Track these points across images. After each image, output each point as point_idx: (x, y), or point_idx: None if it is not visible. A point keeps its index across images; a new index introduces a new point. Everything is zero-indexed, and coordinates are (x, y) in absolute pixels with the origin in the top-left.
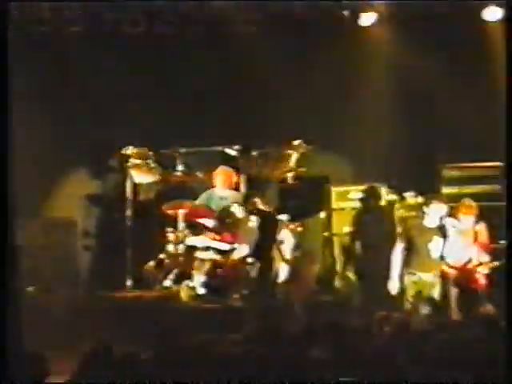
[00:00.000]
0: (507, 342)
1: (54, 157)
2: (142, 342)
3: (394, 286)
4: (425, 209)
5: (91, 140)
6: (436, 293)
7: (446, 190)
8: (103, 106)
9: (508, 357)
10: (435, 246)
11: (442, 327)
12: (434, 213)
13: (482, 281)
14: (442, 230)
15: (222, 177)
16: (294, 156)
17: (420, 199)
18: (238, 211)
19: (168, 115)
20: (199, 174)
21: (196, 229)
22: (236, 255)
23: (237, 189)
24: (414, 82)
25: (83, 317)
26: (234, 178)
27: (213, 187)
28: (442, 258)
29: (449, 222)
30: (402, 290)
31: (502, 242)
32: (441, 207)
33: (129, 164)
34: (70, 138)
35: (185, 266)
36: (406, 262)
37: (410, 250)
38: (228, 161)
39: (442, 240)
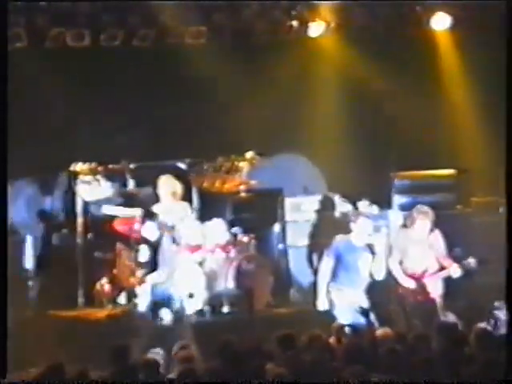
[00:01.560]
0: (507, 342)
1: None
2: (93, 361)
3: (321, 302)
4: (352, 225)
5: (40, 156)
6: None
7: (398, 199)
8: (52, 120)
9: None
10: (364, 263)
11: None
12: (361, 229)
13: (439, 290)
14: (370, 247)
15: (166, 189)
16: (246, 168)
17: (374, 208)
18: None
19: (117, 129)
20: (149, 189)
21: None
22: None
23: (188, 200)
24: (362, 91)
25: (34, 336)
26: (180, 189)
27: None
28: (371, 275)
29: (402, 234)
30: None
31: (457, 249)
32: (367, 223)
33: (78, 180)
34: (19, 154)
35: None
36: (334, 277)
37: (338, 264)
38: (179, 175)
39: (370, 257)
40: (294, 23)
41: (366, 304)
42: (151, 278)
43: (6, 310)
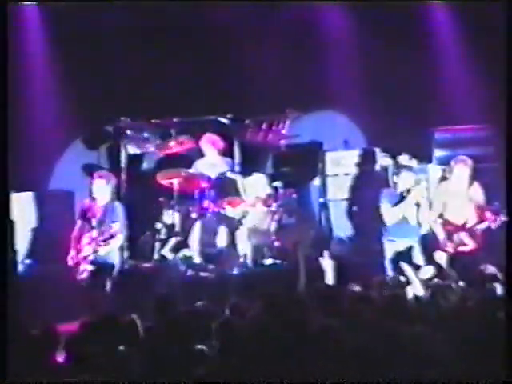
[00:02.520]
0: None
1: (54, 130)
2: (141, 311)
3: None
4: (395, 178)
5: (87, 112)
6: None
7: (438, 153)
8: (97, 79)
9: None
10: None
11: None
12: (405, 182)
13: (479, 241)
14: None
15: (209, 144)
16: (287, 123)
17: (414, 162)
18: (236, 176)
19: (160, 85)
20: (191, 143)
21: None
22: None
23: (230, 156)
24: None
25: (82, 288)
26: (222, 145)
27: (202, 156)
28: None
29: (442, 186)
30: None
31: (496, 203)
32: (410, 176)
33: (123, 135)
34: (67, 111)
35: (182, 235)
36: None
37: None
38: (221, 129)
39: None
40: None
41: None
42: (193, 232)
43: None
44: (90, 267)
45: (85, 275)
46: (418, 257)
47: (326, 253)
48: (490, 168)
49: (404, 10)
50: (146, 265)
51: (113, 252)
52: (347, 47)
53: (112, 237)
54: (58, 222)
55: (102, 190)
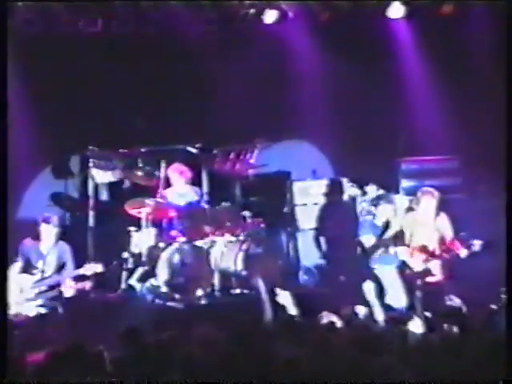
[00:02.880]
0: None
1: (23, 158)
2: (108, 341)
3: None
4: (373, 210)
5: (54, 140)
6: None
7: (405, 184)
8: (65, 106)
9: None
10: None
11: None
12: (383, 213)
13: (446, 271)
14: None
15: (177, 173)
16: (255, 153)
17: (381, 193)
18: (204, 206)
19: (128, 114)
20: (158, 173)
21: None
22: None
23: (198, 185)
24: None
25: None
26: (190, 174)
27: (170, 185)
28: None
29: (409, 217)
30: None
31: (462, 233)
32: (389, 208)
33: (90, 164)
34: (33, 141)
35: (149, 264)
36: None
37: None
38: (189, 159)
39: None
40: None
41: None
42: (162, 262)
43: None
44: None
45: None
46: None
47: (277, 289)
48: (457, 199)
49: (371, 30)
50: (113, 295)
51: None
52: (315, 78)
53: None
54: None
55: (48, 231)
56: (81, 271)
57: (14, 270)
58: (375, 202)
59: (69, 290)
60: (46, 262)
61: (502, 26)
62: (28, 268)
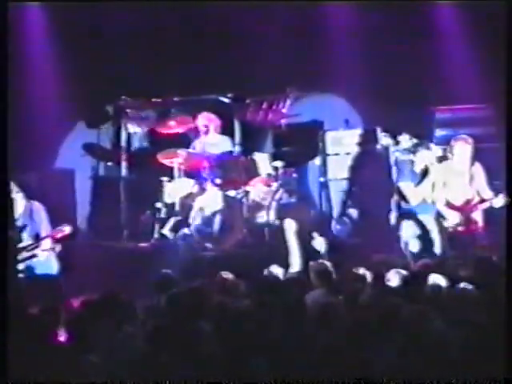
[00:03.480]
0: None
1: (57, 109)
2: (139, 290)
3: None
4: (412, 157)
5: (87, 90)
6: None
7: (438, 133)
8: (97, 59)
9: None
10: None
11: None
12: (422, 160)
13: (479, 221)
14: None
15: (207, 122)
16: (288, 103)
17: (415, 142)
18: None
19: (162, 64)
20: (191, 123)
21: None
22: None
23: (230, 135)
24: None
25: (84, 266)
26: (219, 123)
27: (201, 134)
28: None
29: (444, 165)
30: None
31: (497, 182)
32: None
33: (123, 114)
34: (70, 90)
35: (182, 214)
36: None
37: None
38: (222, 109)
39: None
40: None
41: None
42: (194, 211)
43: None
44: None
45: None
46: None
47: (315, 234)
48: (490, 148)
49: None
50: (146, 244)
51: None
52: (349, 32)
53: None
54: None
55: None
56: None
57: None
58: (413, 149)
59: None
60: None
61: (502, 26)
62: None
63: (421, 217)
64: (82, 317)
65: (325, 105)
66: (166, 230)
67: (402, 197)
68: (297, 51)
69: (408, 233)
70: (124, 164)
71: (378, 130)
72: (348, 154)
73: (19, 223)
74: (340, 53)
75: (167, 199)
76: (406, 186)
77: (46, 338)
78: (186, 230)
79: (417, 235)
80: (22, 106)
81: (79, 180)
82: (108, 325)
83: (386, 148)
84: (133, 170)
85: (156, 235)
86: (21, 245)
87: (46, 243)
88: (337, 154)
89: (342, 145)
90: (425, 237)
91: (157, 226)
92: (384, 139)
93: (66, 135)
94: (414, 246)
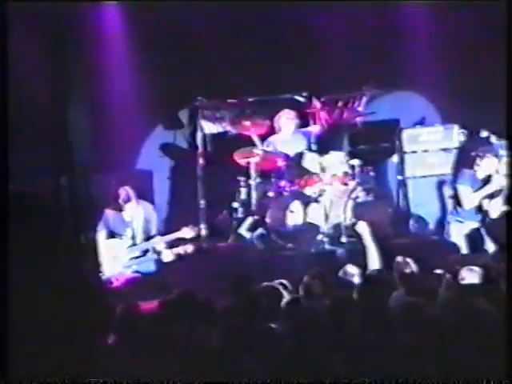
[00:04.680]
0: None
1: (135, 110)
2: (217, 290)
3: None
4: (478, 161)
5: (164, 92)
6: None
7: None
8: (174, 58)
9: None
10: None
11: None
12: (488, 166)
13: None
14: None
15: (286, 121)
16: (363, 101)
17: (493, 138)
18: (313, 155)
19: (237, 64)
20: (267, 123)
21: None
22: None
23: (306, 134)
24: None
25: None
26: (298, 122)
27: (276, 130)
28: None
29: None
30: None
31: None
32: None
33: (199, 114)
34: (148, 92)
35: (258, 214)
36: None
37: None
38: (296, 108)
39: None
40: None
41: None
42: (270, 210)
43: (6, 308)
44: None
45: None
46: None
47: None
48: None
49: None
50: (223, 244)
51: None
52: (425, 29)
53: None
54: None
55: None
56: (179, 235)
57: (102, 236)
58: (481, 153)
59: (168, 254)
60: (134, 227)
61: (501, 26)
62: (116, 236)
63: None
64: (158, 317)
65: (401, 102)
66: (242, 230)
67: (457, 199)
68: (373, 49)
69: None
70: (200, 164)
71: (456, 127)
72: (425, 151)
73: (129, 223)
74: (417, 51)
75: (244, 198)
76: (464, 190)
77: (123, 338)
78: (262, 230)
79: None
80: (102, 109)
81: (157, 181)
82: (184, 325)
83: (464, 146)
84: (209, 170)
85: (233, 235)
86: (130, 245)
87: (159, 243)
88: (414, 152)
89: (419, 142)
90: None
91: (234, 226)
92: (461, 137)
93: (145, 137)
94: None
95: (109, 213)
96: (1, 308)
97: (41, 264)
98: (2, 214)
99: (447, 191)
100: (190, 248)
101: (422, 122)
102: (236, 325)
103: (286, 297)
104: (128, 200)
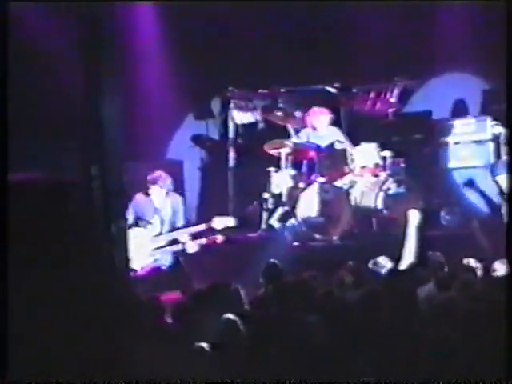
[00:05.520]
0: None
1: (167, 100)
2: (247, 280)
3: None
4: None
5: (196, 83)
6: None
7: None
8: (206, 48)
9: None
10: None
11: None
12: None
13: None
14: None
15: (317, 117)
16: (395, 92)
17: None
18: (344, 146)
19: (269, 55)
20: (298, 114)
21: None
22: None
23: (337, 125)
24: None
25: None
26: (330, 117)
27: (308, 127)
28: None
29: None
30: None
31: None
32: None
33: (230, 105)
34: (180, 82)
35: (289, 205)
36: None
37: None
38: (328, 99)
39: None
40: None
41: None
42: (301, 201)
43: (6, 308)
44: None
45: None
46: None
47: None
48: None
49: None
50: (253, 234)
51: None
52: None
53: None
54: None
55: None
56: (209, 225)
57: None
58: None
59: (192, 245)
60: (162, 215)
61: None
62: (141, 223)
63: None
64: (189, 306)
65: (434, 94)
66: (273, 221)
67: (501, 190)
68: (405, 40)
69: None
70: (231, 155)
71: (489, 119)
72: (457, 143)
73: (157, 210)
74: (450, 39)
75: (274, 189)
76: (503, 180)
77: (153, 326)
78: (293, 221)
79: None
80: (134, 98)
81: (188, 171)
82: (214, 315)
83: (497, 137)
84: (240, 161)
85: (263, 226)
86: (157, 234)
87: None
88: (446, 144)
89: (452, 134)
90: None
91: (264, 217)
92: (495, 128)
93: (176, 127)
94: None
95: (139, 198)
96: (1, 308)
97: (71, 255)
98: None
99: (480, 184)
100: (219, 239)
101: (455, 114)
102: (267, 316)
103: (318, 289)
104: (158, 182)
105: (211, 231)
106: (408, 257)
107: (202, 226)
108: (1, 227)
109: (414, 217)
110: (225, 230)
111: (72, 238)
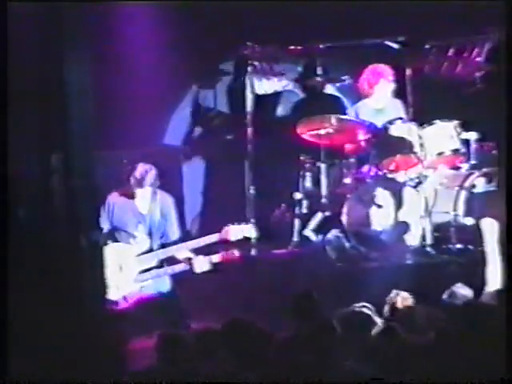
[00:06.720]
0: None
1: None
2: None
3: None
4: None
5: (199, 38)
6: None
7: None
8: None
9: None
10: None
11: None
12: None
13: None
14: None
15: (375, 79)
16: (485, 48)
17: None
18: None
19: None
20: (346, 79)
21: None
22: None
23: (401, 96)
24: None
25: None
26: (393, 80)
27: (364, 95)
28: None
29: None
30: None
31: None
32: None
33: (248, 68)
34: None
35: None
36: None
37: None
38: (389, 59)
39: None
40: None
41: None
42: (349, 204)
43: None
44: None
45: None
46: None
47: None
48: None
49: None
50: (282, 251)
51: None
52: None
53: None
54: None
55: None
56: (218, 237)
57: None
58: None
59: (201, 263)
60: (149, 224)
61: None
62: (122, 235)
63: None
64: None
65: None
66: (309, 231)
67: None
68: None
69: None
70: (250, 138)
71: None
72: None
73: (144, 217)
74: None
75: (310, 188)
76: None
77: None
78: (337, 232)
79: None
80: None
81: (188, 161)
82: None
83: None
84: (262, 146)
85: (295, 238)
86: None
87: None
88: None
89: None
90: None
91: (296, 225)
92: None
93: (175, 101)
94: None
95: (117, 199)
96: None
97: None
98: None
99: None
100: (235, 254)
101: None
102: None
103: (375, 326)
104: (143, 182)
105: (223, 245)
106: (493, 282)
107: (212, 238)
108: None
109: (491, 228)
110: (241, 244)
111: (21, 256)
